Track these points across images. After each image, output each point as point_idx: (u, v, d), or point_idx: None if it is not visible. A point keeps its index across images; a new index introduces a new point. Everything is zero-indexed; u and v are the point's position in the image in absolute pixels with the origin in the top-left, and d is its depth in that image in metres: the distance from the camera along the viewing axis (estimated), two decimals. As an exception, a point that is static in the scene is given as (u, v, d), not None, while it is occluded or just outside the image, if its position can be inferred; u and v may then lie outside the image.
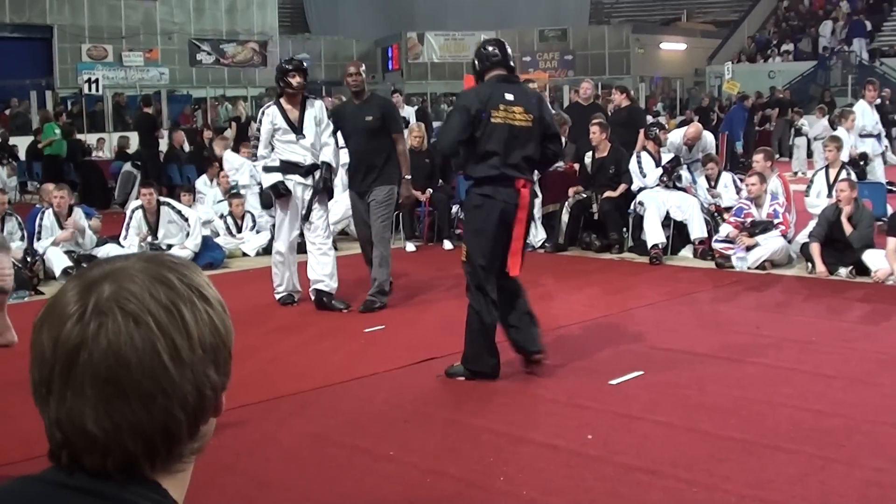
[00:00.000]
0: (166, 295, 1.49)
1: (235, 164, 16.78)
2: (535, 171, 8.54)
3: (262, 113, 10.62)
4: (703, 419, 6.83)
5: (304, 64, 10.92)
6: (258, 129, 10.29)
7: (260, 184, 12.34)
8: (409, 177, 10.88)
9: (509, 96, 7.89)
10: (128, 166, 22.11)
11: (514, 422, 6.88)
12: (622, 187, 14.12)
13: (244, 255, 14.55)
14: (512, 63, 8.28)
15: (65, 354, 1.44)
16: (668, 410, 7.03)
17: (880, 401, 7.17)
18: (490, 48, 8.19)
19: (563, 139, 15.13)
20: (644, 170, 13.93)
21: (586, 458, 6.15)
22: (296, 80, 10.36)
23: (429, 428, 6.81)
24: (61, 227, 13.19)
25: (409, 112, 18.29)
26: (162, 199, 14.09)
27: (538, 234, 14.56)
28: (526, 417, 6.98)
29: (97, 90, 28.87)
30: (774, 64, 41.89)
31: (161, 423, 1.47)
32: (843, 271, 11.76)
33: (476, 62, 8.24)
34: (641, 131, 15.02)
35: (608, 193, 14.11)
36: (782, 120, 29.92)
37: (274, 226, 14.25)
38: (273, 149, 10.45)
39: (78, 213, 13.59)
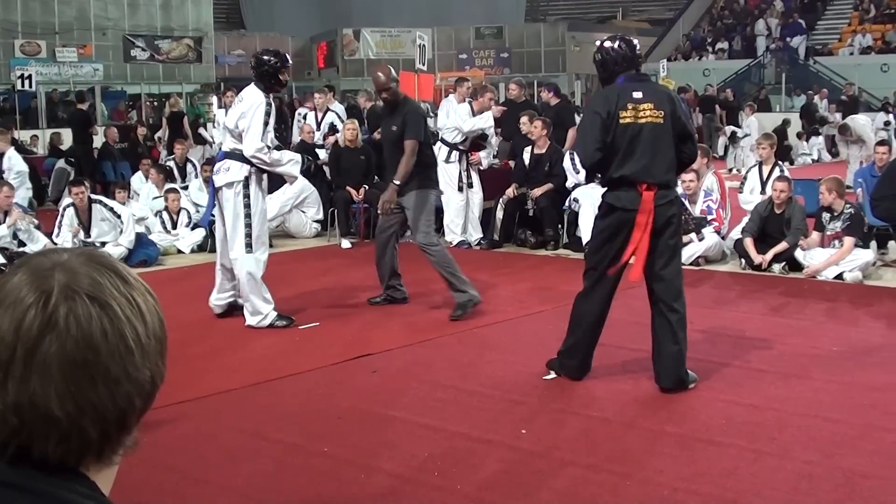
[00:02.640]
0: (123, 285, 1.53)
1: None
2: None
3: (270, 106, 9.57)
4: (637, 413, 6.89)
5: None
6: (264, 123, 9.50)
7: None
8: (398, 183, 10.04)
9: (638, 94, 7.33)
10: (61, 163, 21.91)
11: (448, 417, 6.88)
12: (548, 186, 14.14)
13: (179, 252, 14.44)
14: (641, 60, 7.82)
15: (29, 338, 1.45)
16: (602, 405, 7.08)
17: (811, 395, 7.25)
18: (619, 47, 7.58)
19: (497, 137, 15.18)
20: (577, 167, 13.97)
21: (521, 452, 6.17)
22: (286, 77, 9.90)
23: (363, 424, 6.80)
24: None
25: (338, 108, 18.23)
26: (94, 196, 13.97)
27: (475, 233, 14.61)
28: (460, 413, 6.98)
29: (30, 86, 28.55)
30: (709, 62, 42.20)
31: (120, 410, 1.50)
32: (777, 267, 11.88)
33: (602, 65, 7.63)
34: (572, 129, 15.06)
35: (535, 190, 14.16)
36: (705, 117, 30.18)
37: (212, 223, 14.18)
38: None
39: (17, 211, 13.46)
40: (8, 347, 1.45)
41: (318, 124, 17.36)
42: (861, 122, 22.82)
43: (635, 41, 7.73)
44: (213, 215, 10.22)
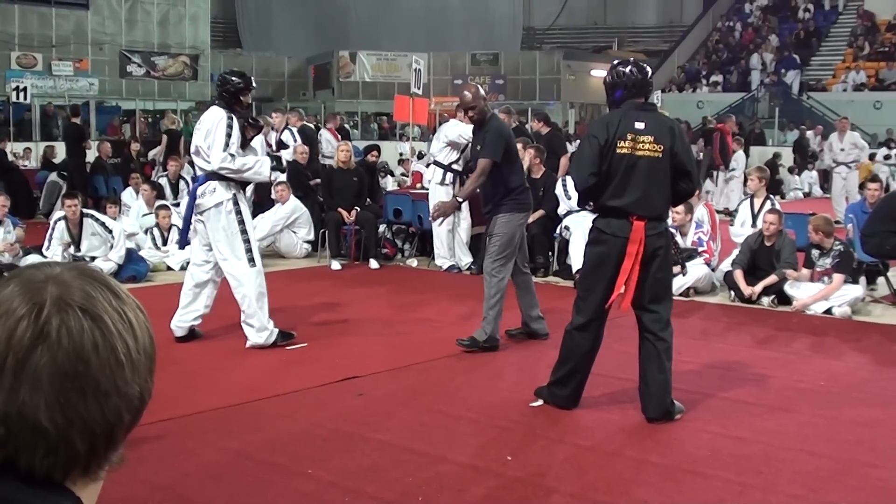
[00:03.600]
0: (115, 299, 1.54)
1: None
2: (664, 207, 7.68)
3: (232, 118, 9.49)
4: (623, 443, 6.87)
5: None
6: (227, 135, 9.47)
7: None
8: (461, 199, 10.13)
9: (640, 125, 7.27)
10: (53, 176, 21.93)
11: (434, 442, 6.86)
12: (539, 213, 14.13)
13: (168, 268, 14.41)
14: (650, 88, 7.72)
15: (21, 349, 1.45)
16: (589, 434, 7.06)
17: (798, 428, 7.24)
18: (631, 72, 7.49)
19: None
20: (569, 193, 13.99)
21: (506, 479, 6.15)
22: (248, 100, 9.86)
23: (348, 447, 6.77)
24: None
25: (294, 130, 18.30)
26: (86, 210, 13.95)
27: (465, 258, 14.59)
28: (446, 438, 6.96)
29: (25, 98, 28.52)
30: (703, 94, 42.32)
31: (110, 424, 1.50)
32: (766, 300, 11.90)
33: (611, 87, 7.53)
34: (564, 157, 15.07)
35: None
36: (706, 149, 30.04)
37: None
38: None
39: (7, 224, 13.44)
40: None
41: (278, 143, 17.56)
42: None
43: (648, 69, 7.66)
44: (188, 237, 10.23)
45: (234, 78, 9.73)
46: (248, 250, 9.46)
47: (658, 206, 7.38)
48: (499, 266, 9.61)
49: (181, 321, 9.86)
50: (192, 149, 9.70)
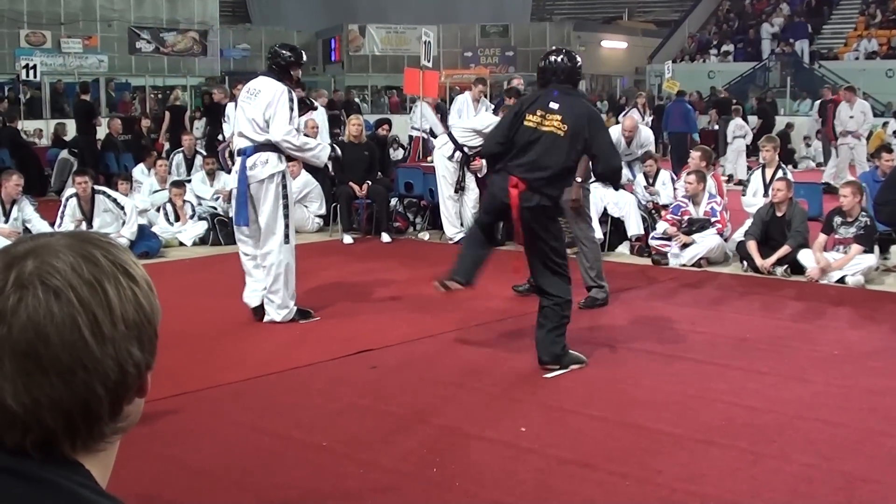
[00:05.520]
0: (89, 270, 1.48)
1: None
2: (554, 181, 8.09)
3: (292, 93, 9.47)
4: (637, 413, 6.86)
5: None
6: (290, 108, 9.37)
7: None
8: (580, 180, 10.20)
9: (554, 105, 7.90)
10: (64, 153, 21.91)
11: (447, 413, 6.87)
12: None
13: (181, 244, 14.43)
14: (579, 77, 8.46)
15: None
16: (603, 404, 7.06)
17: (812, 398, 7.23)
18: (562, 60, 8.22)
19: None
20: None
21: (519, 450, 6.15)
22: (298, 74, 9.83)
23: (362, 419, 6.78)
24: (5, 213, 13.07)
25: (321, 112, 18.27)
26: (97, 187, 13.95)
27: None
28: (459, 409, 6.97)
29: (35, 76, 28.54)
30: (714, 64, 42.15)
31: (81, 400, 1.46)
32: (779, 270, 11.86)
33: (541, 72, 8.26)
34: None
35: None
36: (721, 119, 29.86)
37: (213, 216, 14.11)
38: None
39: (23, 201, 13.43)
40: None
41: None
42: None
43: (580, 59, 8.42)
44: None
45: (284, 51, 9.71)
46: (287, 226, 9.44)
47: (540, 178, 7.80)
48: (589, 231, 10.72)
49: (253, 292, 9.78)
50: (243, 120, 9.53)
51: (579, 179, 10.11)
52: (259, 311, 9.65)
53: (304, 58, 9.93)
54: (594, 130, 7.95)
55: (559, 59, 8.19)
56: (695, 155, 13.88)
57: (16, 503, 1.41)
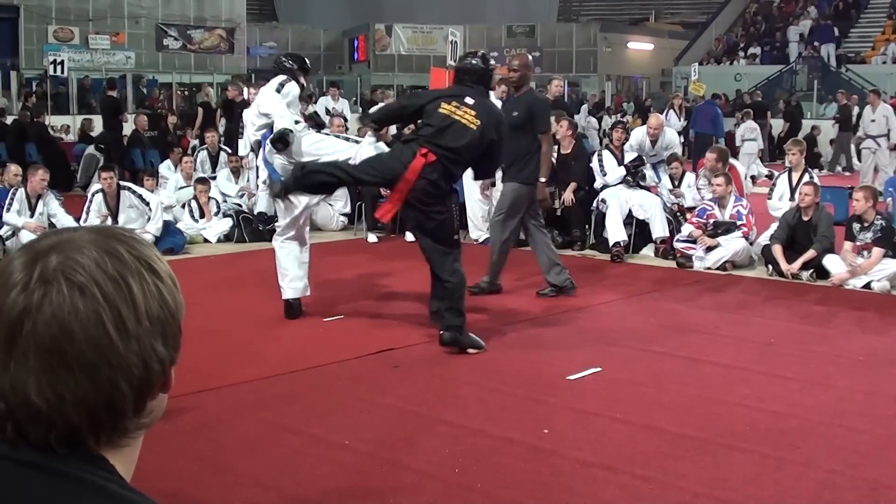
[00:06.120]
0: (114, 266, 1.47)
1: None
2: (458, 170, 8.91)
3: (290, 84, 9.67)
4: (660, 417, 6.84)
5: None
6: (280, 95, 9.56)
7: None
8: (544, 179, 10.63)
9: (469, 101, 8.52)
10: (91, 149, 22.00)
11: (470, 414, 6.86)
12: (572, 185, 14.10)
13: (206, 241, 14.47)
14: (490, 79, 9.19)
15: (8, 323, 1.42)
16: (626, 407, 7.04)
17: (836, 403, 7.19)
18: (474, 63, 8.94)
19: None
20: (605, 168, 13.95)
21: (542, 452, 6.14)
22: (301, 82, 9.92)
23: (385, 418, 6.79)
24: (31, 207, 13.12)
25: (343, 104, 18.36)
26: (123, 183, 14.00)
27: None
28: (482, 410, 6.96)
29: (62, 72, 28.65)
30: (741, 66, 42.02)
31: (106, 396, 1.45)
32: (804, 274, 11.81)
33: (458, 71, 9.00)
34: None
35: (566, 194, 14.08)
36: (760, 123, 29.55)
37: (237, 213, 14.18)
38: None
39: (49, 196, 13.48)
40: None
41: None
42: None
43: (493, 63, 9.18)
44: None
45: (288, 60, 10.09)
46: (344, 139, 10.09)
47: (452, 159, 8.39)
48: (502, 225, 10.83)
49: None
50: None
51: (543, 179, 10.58)
52: (293, 308, 9.69)
53: (308, 64, 10.23)
54: (499, 136, 8.66)
55: (474, 61, 8.93)
56: (710, 156, 13.80)
57: (41, 498, 1.41)
